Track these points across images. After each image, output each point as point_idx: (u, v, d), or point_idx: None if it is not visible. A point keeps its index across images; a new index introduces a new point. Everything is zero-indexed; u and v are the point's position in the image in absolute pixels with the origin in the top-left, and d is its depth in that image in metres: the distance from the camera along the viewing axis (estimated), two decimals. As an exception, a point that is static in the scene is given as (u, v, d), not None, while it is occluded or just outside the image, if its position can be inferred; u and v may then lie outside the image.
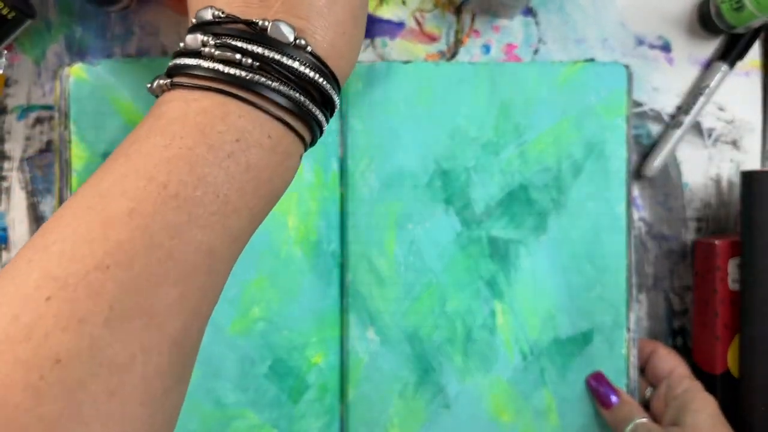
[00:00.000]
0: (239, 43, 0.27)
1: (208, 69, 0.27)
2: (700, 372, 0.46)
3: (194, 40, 0.28)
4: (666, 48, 0.49)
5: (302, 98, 0.28)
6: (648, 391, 0.47)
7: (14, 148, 0.48)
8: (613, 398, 0.44)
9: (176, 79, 0.28)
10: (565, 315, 0.47)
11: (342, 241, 0.47)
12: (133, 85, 0.47)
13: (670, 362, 0.46)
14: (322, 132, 0.31)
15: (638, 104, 0.48)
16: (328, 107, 0.30)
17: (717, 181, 0.48)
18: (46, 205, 0.48)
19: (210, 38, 0.27)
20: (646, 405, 0.46)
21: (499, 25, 0.49)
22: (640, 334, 0.48)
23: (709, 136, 0.49)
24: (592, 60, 0.48)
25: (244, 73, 0.27)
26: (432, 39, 0.49)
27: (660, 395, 0.45)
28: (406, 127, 0.46)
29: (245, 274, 0.45)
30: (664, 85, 0.48)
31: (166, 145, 0.26)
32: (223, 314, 0.46)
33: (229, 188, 0.26)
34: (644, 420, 0.43)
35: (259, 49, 0.27)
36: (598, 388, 0.45)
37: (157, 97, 0.29)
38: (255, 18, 0.27)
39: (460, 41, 0.49)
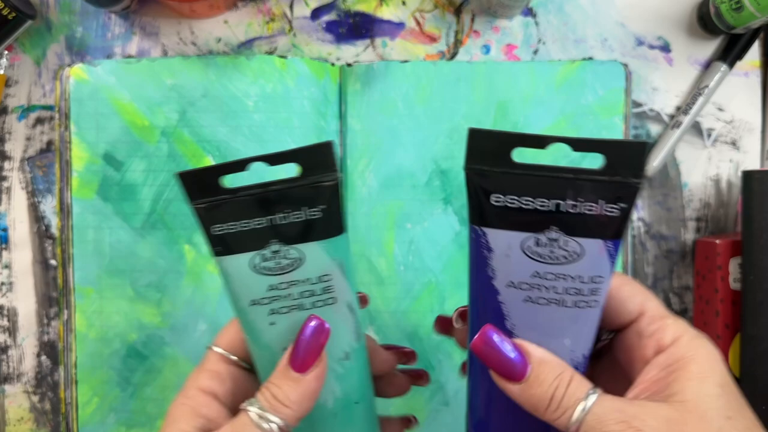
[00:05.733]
0: None
1: None
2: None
3: None
4: (665, 48, 0.49)
5: None
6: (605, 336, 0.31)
7: (15, 148, 0.48)
8: (520, 360, 0.27)
9: None
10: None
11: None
12: (133, 86, 0.47)
13: (637, 295, 0.29)
14: None
15: (638, 104, 0.48)
16: None
17: (716, 181, 0.48)
18: (47, 205, 0.48)
19: None
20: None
21: (498, 25, 0.49)
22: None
23: (709, 136, 0.49)
24: (590, 59, 0.48)
25: None
26: (432, 39, 0.49)
27: (625, 347, 0.29)
28: (404, 127, 0.46)
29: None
30: (664, 86, 0.48)
31: None
32: (223, 313, 0.46)
33: None
34: (597, 394, 0.26)
35: None
36: (498, 347, 0.27)
37: None
38: None
39: (460, 42, 0.49)
